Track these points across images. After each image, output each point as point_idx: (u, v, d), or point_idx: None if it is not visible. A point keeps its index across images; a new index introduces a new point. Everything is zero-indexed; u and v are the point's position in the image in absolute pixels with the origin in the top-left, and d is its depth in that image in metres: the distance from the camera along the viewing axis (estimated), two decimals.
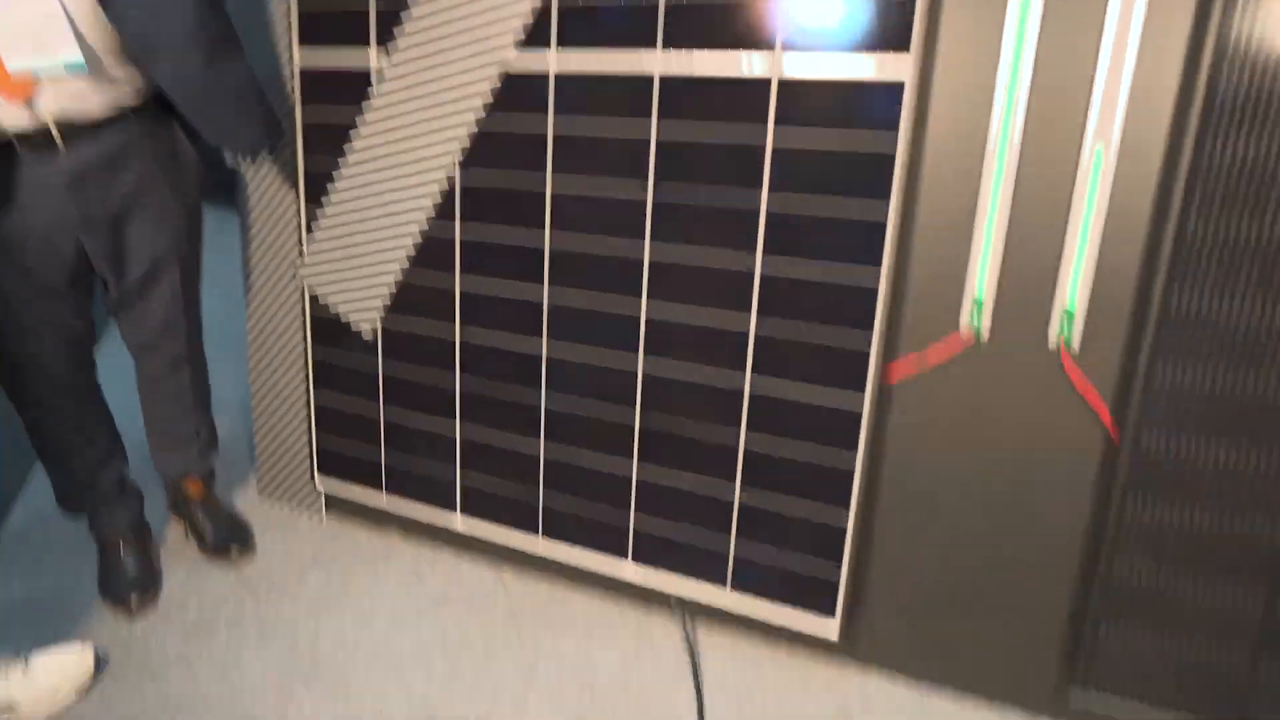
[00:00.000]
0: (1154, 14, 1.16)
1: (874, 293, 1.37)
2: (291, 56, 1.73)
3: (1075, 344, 1.30)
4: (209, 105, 1.52)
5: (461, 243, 1.66)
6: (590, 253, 1.55)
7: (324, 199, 1.77)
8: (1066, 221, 1.26)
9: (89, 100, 1.46)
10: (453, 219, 1.66)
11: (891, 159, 1.31)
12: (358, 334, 1.83)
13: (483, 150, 1.60)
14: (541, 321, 1.63)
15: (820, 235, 1.38)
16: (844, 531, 1.48)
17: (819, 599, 1.53)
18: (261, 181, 1.86)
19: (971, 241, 1.32)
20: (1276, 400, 1.20)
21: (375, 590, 1.81)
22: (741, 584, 1.59)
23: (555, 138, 1.53)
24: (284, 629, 1.69)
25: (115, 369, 1.84)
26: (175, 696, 1.52)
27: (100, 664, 1.56)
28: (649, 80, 1.43)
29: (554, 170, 1.55)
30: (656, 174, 1.47)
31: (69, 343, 1.63)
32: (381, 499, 1.92)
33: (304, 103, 1.75)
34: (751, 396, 1.49)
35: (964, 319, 1.36)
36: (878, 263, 1.36)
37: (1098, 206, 1.25)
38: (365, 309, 1.80)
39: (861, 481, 1.46)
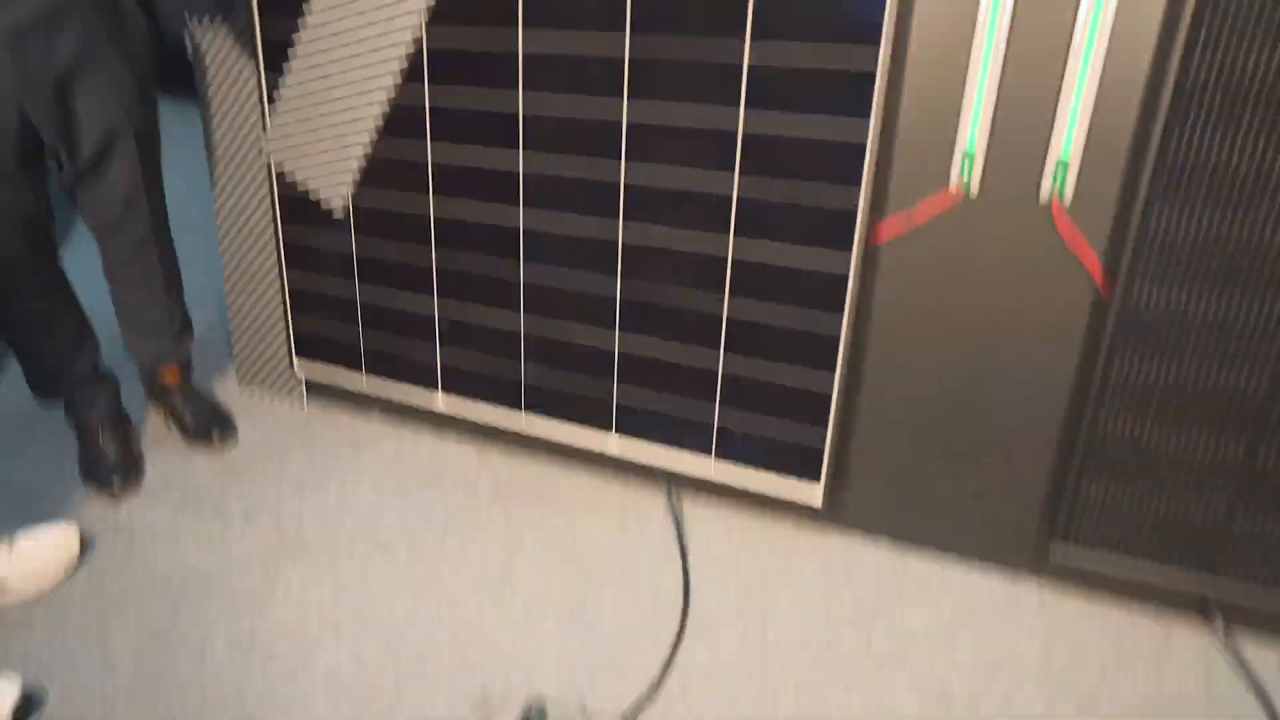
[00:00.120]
0: None
1: (862, 148, 1.31)
2: None
3: (1068, 196, 1.26)
4: None
5: (431, 109, 1.59)
6: (567, 115, 1.48)
7: (285, 66, 1.68)
8: (1064, 66, 1.20)
9: None
10: (421, 82, 1.58)
11: (882, 2, 1.24)
12: (328, 211, 1.76)
13: (451, 6, 1.50)
14: (518, 190, 1.57)
15: (806, 87, 1.32)
16: (829, 397, 1.47)
17: (803, 465, 1.53)
18: (219, 53, 1.76)
19: (964, 91, 1.26)
20: (1270, 246, 1.17)
21: (358, 471, 1.80)
22: (726, 453, 1.59)
23: None
24: (268, 509, 1.69)
25: (87, 261, 1.78)
26: (163, 572, 1.53)
27: (86, 544, 1.56)
28: None
29: (526, 26, 1.46)
30: (633, 26, 1.38)
31: (26, 226, 1.57)
32: (362, 381, 1.89)
33: None
34: (735, 261, 1.45)
35: (954, 174, 1.31)
36: (866, 115, 1.30)
37: (1096, 48, 1.18)
38: (335, 183, 1.73)
39: (846, 345, 1.43)
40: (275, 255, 1.87)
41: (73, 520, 1.57)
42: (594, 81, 1.44)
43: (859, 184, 1.33)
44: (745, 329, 1.49)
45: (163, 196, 1.76)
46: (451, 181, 1.62)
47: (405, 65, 1.57)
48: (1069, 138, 1.23)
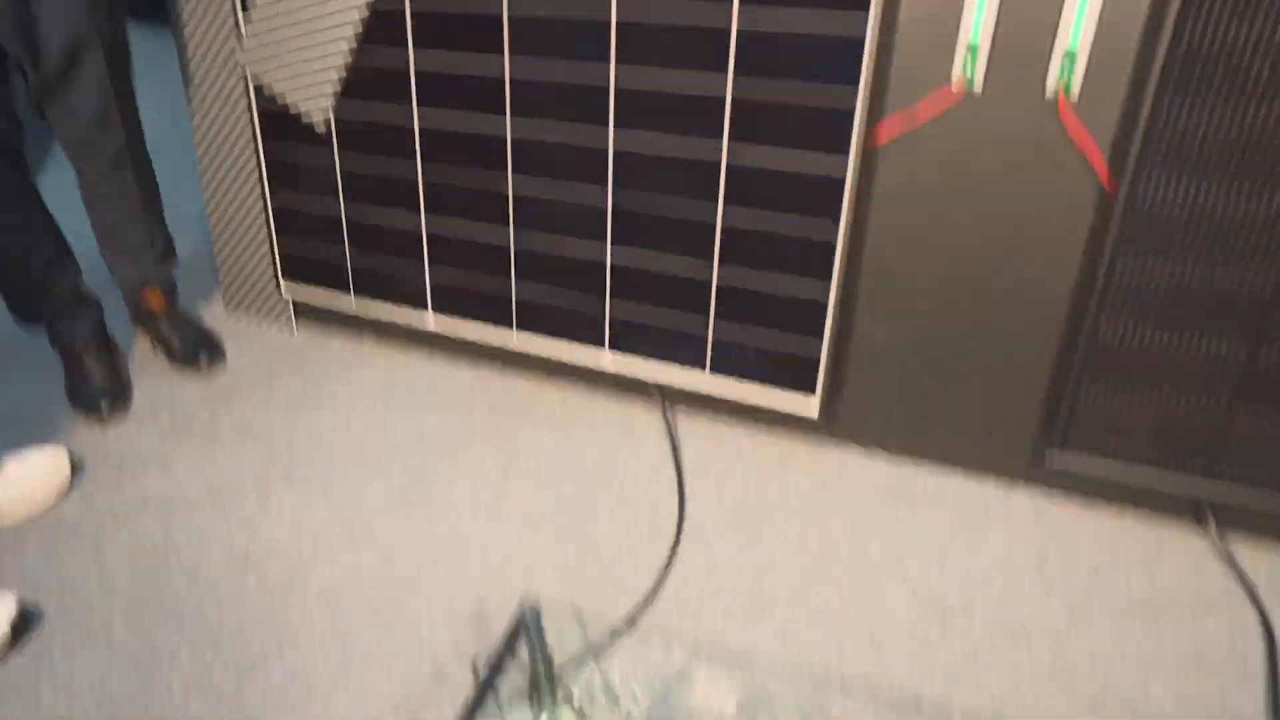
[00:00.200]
0: None
1: (860, 42, 1.26)
2: None
3: (1075, 90, 1.21)
4: None
5: (413, 12, 1.52)
6: (553, 15, 1.42)
7: None
8: None
9: None
10: None
11: None
12: (309, 126, 1.70)
13: None
14: (504, 99, 1.51)
15: None
16: (825, 306, 1.44)
17: (799, 377, 1.51)
18: None
19: None
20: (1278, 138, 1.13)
21: (350, 393, 1.78)
22: (721, 366, 1.56)
23: None
24: (259, 431, 1.67)
25: (66, 186, 1.73)
26: (155, 494, 1.52)
27: (77, 467, 1.55)
28: None
29: None
30: None
31: None
32: (350, 303, 1.86)
33: None
34: (728, 167, 1.40)
35: (956, 69, 1.26)
36: (865, 7, 1.24)
37: None
38: (315, 95, 1.67)
39: (843, 253, 1.40)
40: (257, 174, 1.82)
41: (61, 445, 1.55)
42: None
43: (857, 82, 1.28)
44: (739, 238, 1.45)
45: (137, 115, 1.70)
46: (435, 91, 1.56)
47: None
48: (1078, 26, 1.17)
